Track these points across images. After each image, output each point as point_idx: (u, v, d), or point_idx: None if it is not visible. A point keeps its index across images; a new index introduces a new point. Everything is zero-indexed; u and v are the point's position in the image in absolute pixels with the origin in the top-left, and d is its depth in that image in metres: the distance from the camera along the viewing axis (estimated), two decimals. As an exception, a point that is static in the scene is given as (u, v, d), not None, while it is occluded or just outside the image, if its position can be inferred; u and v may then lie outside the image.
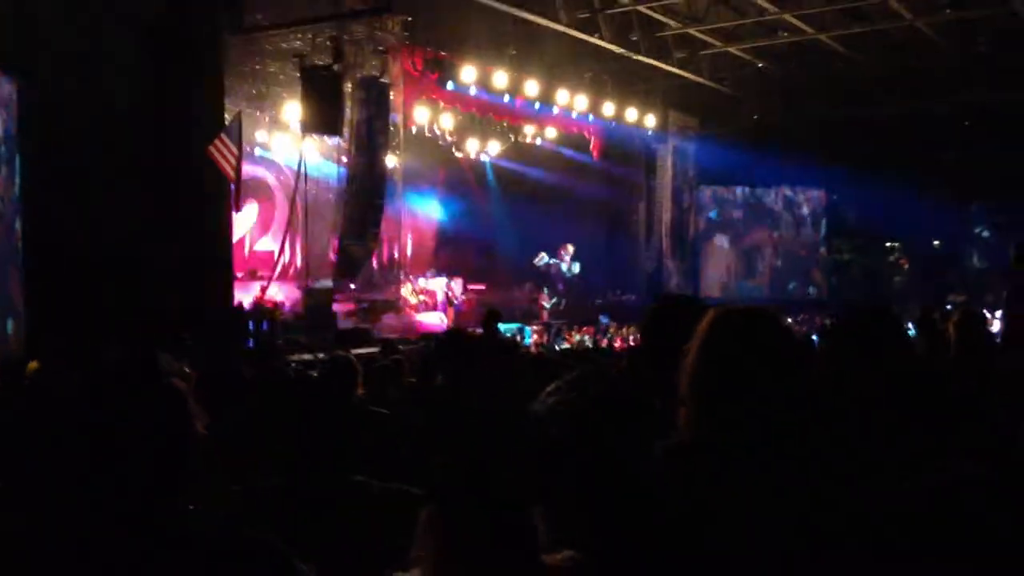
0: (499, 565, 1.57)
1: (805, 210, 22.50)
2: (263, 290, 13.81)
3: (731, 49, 17.80)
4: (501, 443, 1.75)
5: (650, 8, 15.46)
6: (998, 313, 10.69)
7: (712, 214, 22.18)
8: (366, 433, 3.91)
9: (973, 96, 17.65)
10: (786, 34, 17.16)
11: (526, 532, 1.61)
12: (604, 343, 14.33)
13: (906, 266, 21.58)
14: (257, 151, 15.88)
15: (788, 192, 22.44)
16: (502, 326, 11.14)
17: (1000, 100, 17.40)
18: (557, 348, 13.45)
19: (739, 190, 22.35)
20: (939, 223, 20.31)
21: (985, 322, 5.69)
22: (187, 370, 5.37)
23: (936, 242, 21.33)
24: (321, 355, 11.04)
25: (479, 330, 9.51)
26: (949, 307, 15.79)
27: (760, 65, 18.74)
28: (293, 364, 9.97)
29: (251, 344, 11.56)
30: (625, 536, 1.73)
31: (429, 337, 9.11)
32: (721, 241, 22.25)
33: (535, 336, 14.47)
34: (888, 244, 22.18)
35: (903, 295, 19.87)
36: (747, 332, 1.84)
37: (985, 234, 20.80)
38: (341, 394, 4.64)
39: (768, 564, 1.64)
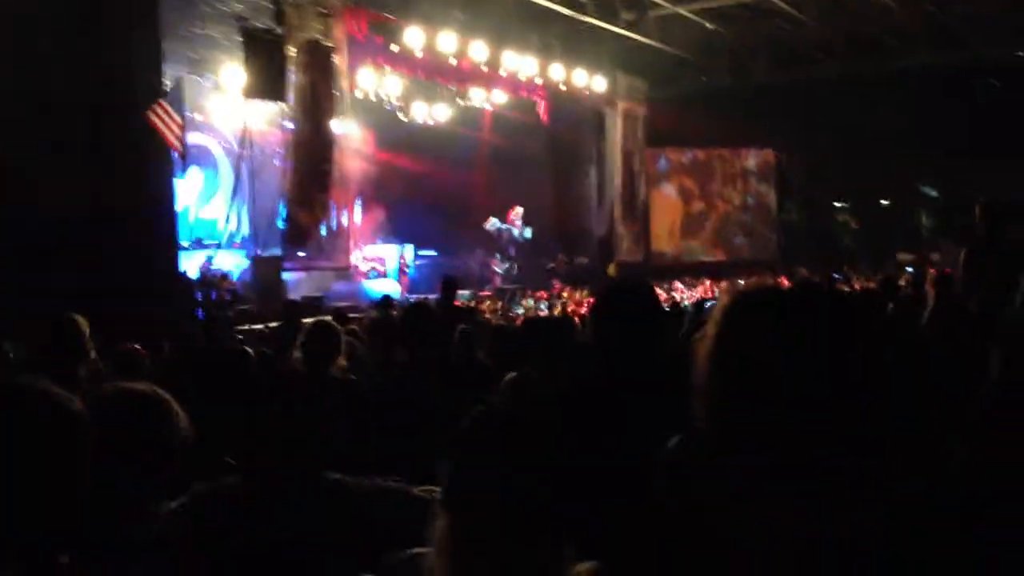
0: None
1: (753, 171, 22.61)
2: (208, 260, 13.48)
3: (680, 10, 17.66)
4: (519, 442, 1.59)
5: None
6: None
7: (661, 165, 22.21)
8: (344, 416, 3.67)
9: (919, 57, 17.74)
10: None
11: (555, 541, 1.49)
12: (558, 308, 14.25)
13: (855, 226, 21.76)
14: (198, 117, 15.41)
15: (736, 154, 22.52)
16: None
17: (944, 62, 17.53)
18: (512, 314, 13.35)
19: (687, 152, 22.38)
20: (886, 184, 20.50)
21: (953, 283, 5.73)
22: (138, 347, 5.18)
23: (884, 202, 21.52)
24: (272, 325, 10.81)
25: (431, 297, 9.37)
26: (909, 269, 15.90)
27: (709, 27, 18.63)
28: (241, 336, 9.76)
29: (200, 315, 11.28)
30: (636, 545, 1.61)
31: (385, 305, 8.91)
32: (668, 191, 22.31)
33: (489, 303, 14.32)
34: (836, 204, 22.35)
35: (852, 255, 20.08)
36: (771, 321, 1.63)
37: (932, 194, 21.03)
38: (318, 369, 4.36)
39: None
